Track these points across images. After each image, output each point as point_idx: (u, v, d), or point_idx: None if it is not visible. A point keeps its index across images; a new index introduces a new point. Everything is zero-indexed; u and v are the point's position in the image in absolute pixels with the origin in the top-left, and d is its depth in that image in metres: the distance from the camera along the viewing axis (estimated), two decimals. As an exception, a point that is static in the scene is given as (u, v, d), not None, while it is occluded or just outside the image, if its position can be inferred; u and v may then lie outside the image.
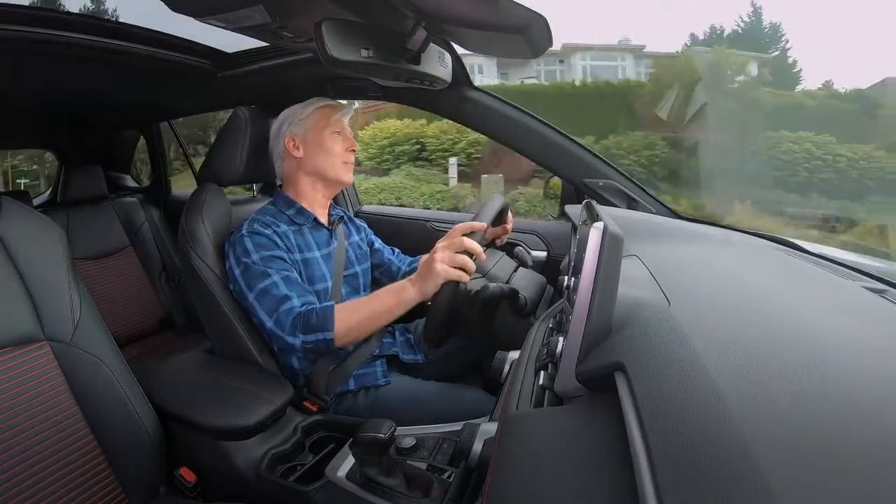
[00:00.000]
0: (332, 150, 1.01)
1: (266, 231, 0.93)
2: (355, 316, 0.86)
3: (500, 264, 1.02)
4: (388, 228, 1.45)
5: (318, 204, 1.05)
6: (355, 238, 1.13)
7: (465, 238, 0.82)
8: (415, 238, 1.45)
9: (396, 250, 1.23)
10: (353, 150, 1.04)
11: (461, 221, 1.45)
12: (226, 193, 1.07)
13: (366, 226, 1.21)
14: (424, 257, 1.17)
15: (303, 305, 0.87)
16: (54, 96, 1.43)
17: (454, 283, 0.81)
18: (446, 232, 1.40)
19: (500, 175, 7.01)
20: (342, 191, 1.57)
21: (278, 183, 1.08)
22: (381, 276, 1.18)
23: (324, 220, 1.05)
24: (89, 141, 2.06)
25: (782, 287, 0.56)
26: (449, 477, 0.67)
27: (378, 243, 1.21)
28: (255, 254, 0.90)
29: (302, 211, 1.02)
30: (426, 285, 0.82)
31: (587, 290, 0.43)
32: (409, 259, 1.21)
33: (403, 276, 1.17)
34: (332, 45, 0.59)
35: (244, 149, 1.03)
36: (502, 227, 1.10)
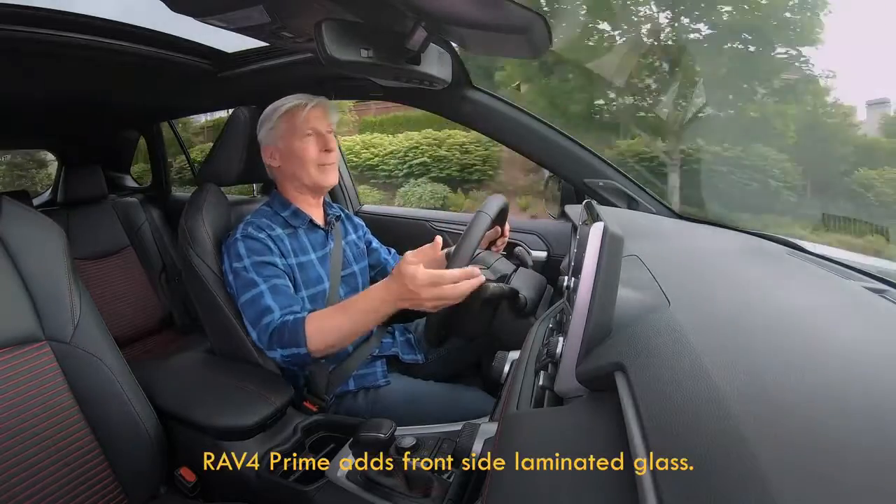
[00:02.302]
0: (305, 156, 0.96)
1: (260, 235, 0.92)
2: (331, 331, 0.84)
3: (500, 263, 1.02)
4: (387, 228, 1.45)
5: (311, 205, 1.04)
6: (352, 236, 1.13)
7: (447, 290, 0.78)
8: (415, 238, 1.45)
9: (393, 251, 1.23)
10: (329, 150, 0.98)
11: (461, 222, 1.45)
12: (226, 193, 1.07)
13: (363, 224, 1.21)
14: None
15: (281, 317, 0.86)
16: (54, 96, 1.43)
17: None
18: (446, 232, 1.41)
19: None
20: (342, 190, 1.57)
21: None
22: (376, 276, 1.17)
23: (319, 220, 1.04)
24: (89, 141, 2.06)
25: (783, 287, 0.55)
26: (449, 477, 0.67)
27: (375, 243, 1.20)
28: (247, 259, 0.90)
29: (297, 213, 1.01)
30: (411, 307, 0.81)
31: (587, 290, 0.43)
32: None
33: None
34: (332, 45, 0.59)
35: (244, 149, 1.03)
36: (501, 236, 1.10)
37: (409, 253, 0.82)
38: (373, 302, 0.83)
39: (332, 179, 1.01)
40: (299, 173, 0.98)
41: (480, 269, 0.94)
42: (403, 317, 0.92)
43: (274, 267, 0.91)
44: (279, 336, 0.84)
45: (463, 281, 0.78)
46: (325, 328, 0.84)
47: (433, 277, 0.78)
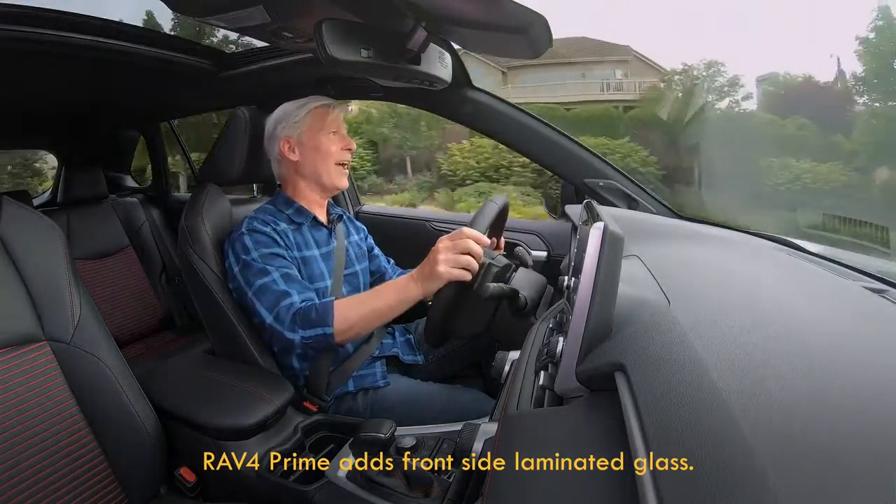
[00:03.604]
0: (329, 151, 1.00)
1: (265, 229, 0.93)
2: (356, 312, 0.86)
3: (501, 258, 1.02)
4: (388, 229, 1.45)
5: (316, 203, 1.05)
6: (355, 238, 1.13)
7: (469, 240, 0.82)
8: (415, 238, 1.45)
9: (392, 260, 1.23)
10: (350, 150, 1.03)
11: (461, 222, 1.45)
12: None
13: (365, 228, 1.21)
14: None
15: (303, 301, 0.87)
16: (55, 96, 1.43)
17: (458, 282, 0.82)
18: (446, 232, 1.40)
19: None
20: (342, 192, 1.57)
21: (278, 182, 1.08)
22: (375, 283, 1.18)
23: (323, 218, 1.05)
24: (89, 141, 2.06)
25: (783, 287, 0.55)
26: (449, 477, 0.67)
27: (376, 249, 1.21)
28: (255, 251, 0.90)
29: (301, 210, 1.02)
30: (429, 285, 0.83)
31: (587, 290, 0.43)
32: (399, 270, 1.21)
33: None
34: (332, 45, 0.59)
35: (244, 149, 1.03)
36: (496, 249, 1.10)
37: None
38: (400, 281, 0.87)
39: (345, 182, 1.05)
40: (319, 169, 1.01)
41: (483, 262, 0.95)
42: (404, 317, 0.92)
43: (282, 258, 0.92)
44: (304, 317, 0.85)
45: (475, 242, 0.82)
46: (354, 307, 0.86)
47: (452, 234, 0.83)
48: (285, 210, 1.01)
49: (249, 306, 0.90)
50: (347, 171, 1.05)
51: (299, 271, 0.95)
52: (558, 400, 0.46)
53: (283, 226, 0.97)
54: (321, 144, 1.00)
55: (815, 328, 0.39)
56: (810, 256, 0.76)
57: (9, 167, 6.23)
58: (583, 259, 0.45)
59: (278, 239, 0.94)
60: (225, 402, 0.82)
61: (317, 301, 0.87)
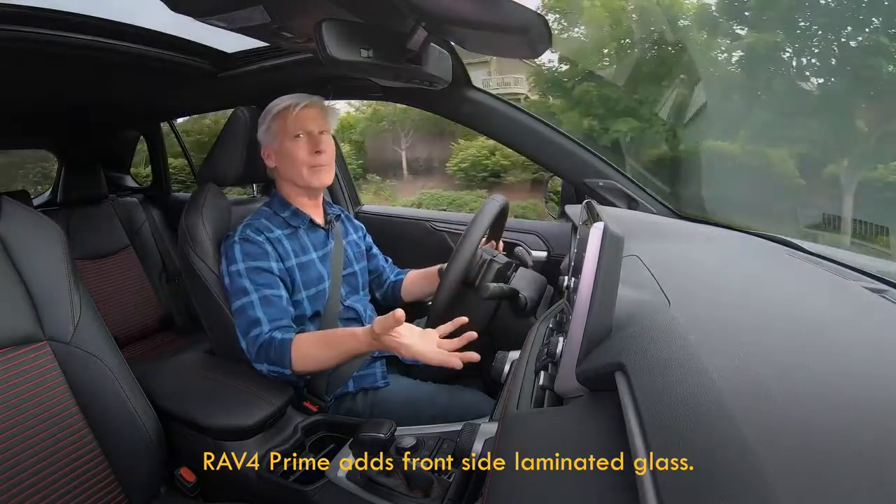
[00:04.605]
0: (296, 157, 0.95)
1: (258, 238, 0.92)
2: (315, 361, 0.84)
3: (501, 257, 1.02)
4: (388, 229, 1.45)
5: (309, 205, 1.03)
6: (353, 237, 1.13)
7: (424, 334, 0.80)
8: (415, 238, 1.45)
9: (390, 260, 1.23)
10: (320, 152, 0.96)
11: (461, 221, 1.45)
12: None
13: (363, 227, 1.21)
14: (414, 272, 1.16)
15: (269, 332, 0.86)
16: (54, 96, 1.43)
17: (464, 269, 0.84)
18: (446, 232, 1.41)
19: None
20: (341, 191, 1.57)
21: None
22: (373, 283, 1.18)
23: (319, 220, 1.04)
24: (89, 141, 2.06)
25: (782, 287, 0.56)
26: (449, 477, 0.67)
27: (374, 249, 1.20)
28: (242, 263, 0.90)
29: (297, 213, 1.00)
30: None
31: (587, 290, 0.43)
32: (396, 270, 1.21)
33: (390, 287, 1.18)
34: (332, 45, 0.59)
35: (244, 149, 1.03)
36: (496, 246, 1.10)
37: (377, 322, 0.76)
38: (359, 346, 0.82)
39: (324, 180, 0.99)
40: (292, 174, 0.98)
41: (485, 258, 0.95)
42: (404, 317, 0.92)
43: (269, 274, 0.91)
44: (266, 352, 0.85)
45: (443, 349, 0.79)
46: (310, 356, 0.84)
47: (419, 335, 0.80)
48: (281, 213, 1.00)
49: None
50: (329, 169, 0.99)
51: (294, 279, 0.95)
52: (558, 400, 0.46)
53: (278, 232, 0.96)
54: (286, 151, 0.96)
55: (816, 328, 0.39)
56: (810, 256, 0.76)
57: (30, 176, 6.40)
58: (583, 259, 0.45)
59: (270, 250, 0.92)
60: (225, 402, 0.82)
61: (277, 337, 0.85)
